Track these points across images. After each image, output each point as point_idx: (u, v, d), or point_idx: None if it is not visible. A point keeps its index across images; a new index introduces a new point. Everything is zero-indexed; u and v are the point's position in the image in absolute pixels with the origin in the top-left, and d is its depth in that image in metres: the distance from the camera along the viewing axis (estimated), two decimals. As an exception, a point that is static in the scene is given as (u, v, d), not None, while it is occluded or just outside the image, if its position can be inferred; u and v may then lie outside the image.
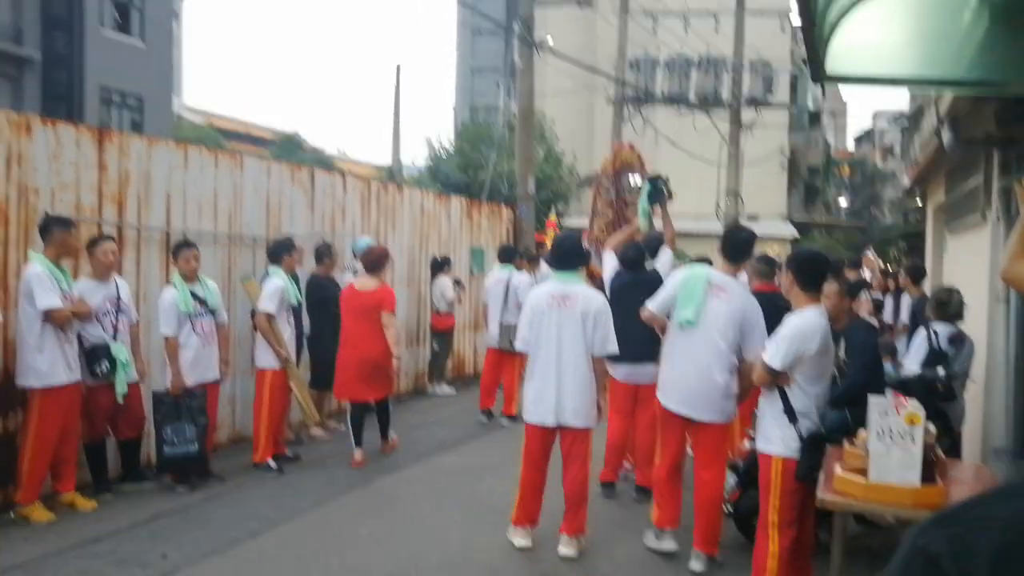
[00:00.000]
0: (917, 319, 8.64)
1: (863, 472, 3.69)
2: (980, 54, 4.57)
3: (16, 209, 6.43)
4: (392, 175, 31.35)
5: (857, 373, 5.58)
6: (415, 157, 41.15)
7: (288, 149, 53.11)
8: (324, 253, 9.16)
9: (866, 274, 16.43)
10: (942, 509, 1.09)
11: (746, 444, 5.99)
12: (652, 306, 5.74)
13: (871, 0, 4.65)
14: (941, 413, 6.13)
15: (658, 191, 7.51)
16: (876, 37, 4.72)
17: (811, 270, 4.86)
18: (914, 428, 3.48)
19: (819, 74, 4.61)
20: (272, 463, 7.72)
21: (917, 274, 9.54)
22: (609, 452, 7.26)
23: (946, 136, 7.15)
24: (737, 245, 5.72)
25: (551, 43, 16.42)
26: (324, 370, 9.12)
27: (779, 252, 21.25)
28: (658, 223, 7.82)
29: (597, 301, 5.76)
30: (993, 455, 6.84)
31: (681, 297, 5.52)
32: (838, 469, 3.80)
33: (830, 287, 5.41)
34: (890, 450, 3.49)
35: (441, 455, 8.52)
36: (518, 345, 5.96)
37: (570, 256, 5.92)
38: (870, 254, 22.12)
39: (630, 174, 8.96)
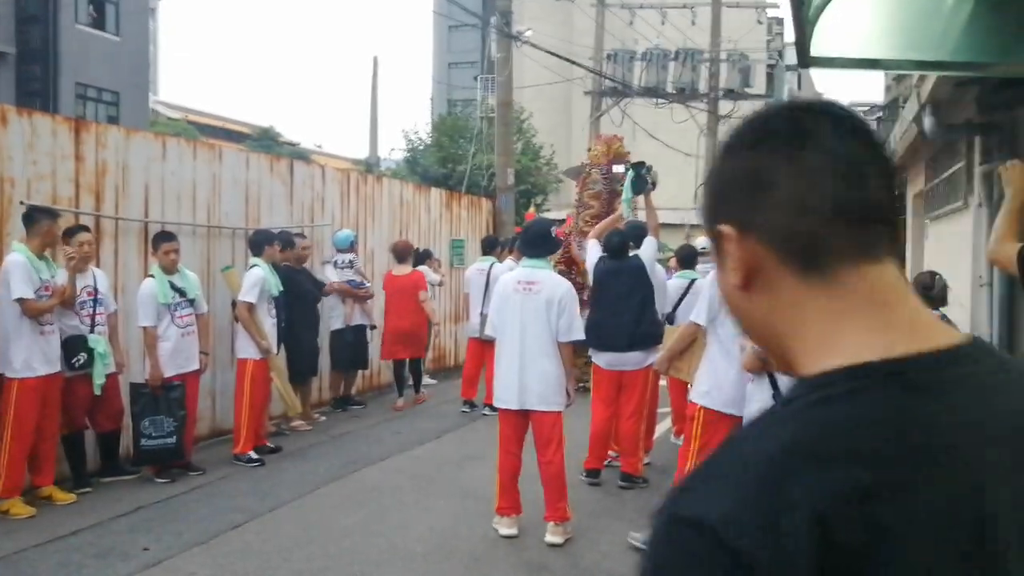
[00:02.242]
0: None
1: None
2: (964, 36, 4.57)
3: (-9, 199, 6.35)
4: (369, 168, 31.25)
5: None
6: (393, 151, 41.05)
7: (265, 144, 52.89)
8: (291, 243, 9.01)
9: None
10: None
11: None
12: (699, 319, 5.37)
13: (854, -15, 4.66)
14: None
15: (641, 180, 7.49)
16: (860, 20, 4.72)
17: None
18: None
19: (805, 59, 4.60)
20: (253, 454, 7.66)
21: None
22: (593, 440, 7.25)
23: (927, 122, 7.18)
24: None
25: (530, 35, 16.37)
26: (300, 361, 9.07)
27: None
28: (642, 214, 7.81)
29: (563, 287, 5.74)
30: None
31: None
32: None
33: None
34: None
35: (424, 445, 8.49)
36: (487, 331, 5.96)
37: (538, 242, 5.91)
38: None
39: (613, 164, 8.94)
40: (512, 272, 6.04)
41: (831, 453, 0.82)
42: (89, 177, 7.18)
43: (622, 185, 8.01)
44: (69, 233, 6.54)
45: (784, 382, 4.73)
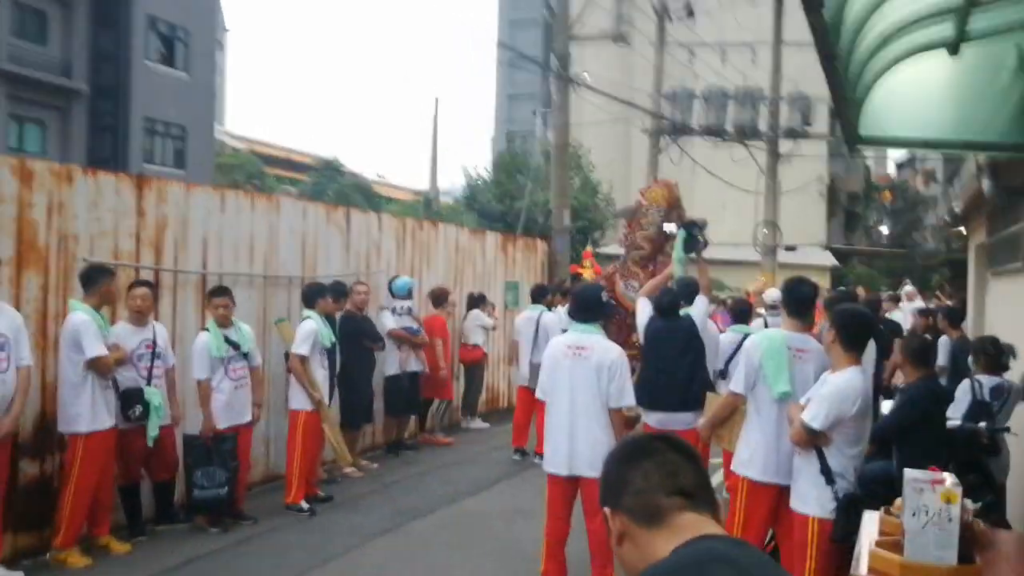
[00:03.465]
0: (957, 362, 8.50)
1: (899, 543, 3.62)
2: (1017, 116, 4.52)
3: (56, 256, 6.55)
4: (429, 204, 31.59)
5: (900, 411, 5.54)
6: (453, 183, 41.38)
7: (328, 175, 53.68)
8: (352, 290, 9.29)
9: (905, 309, 16.21)
10: None
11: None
12: (738, 388, 5.27)
13: (905, 62, 4.64)
14: (983, 467, 6.02)
15: (693, 239, 7.48)
16: (910, 99, 4.70)
17: (856, 330, 4.75)
18: (950, 506, 3.42)
19: (853, 138, 4.58)
20: (304, 504, 7.75)
21: (955, 316, 9.41)
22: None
23: (985, 184, 7.08)
24: (801, 301, 5.30)
25: (587, 79, 16.46)
26: (355, 409, 9.22)
27: (764, 281, 21.08)
28: (693, 271, 7.77)
29: (613, 352, 5.70)
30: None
31: (769, 369, 5.06)
32: (872, 544, 3.73)
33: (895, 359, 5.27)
34: (926, 528, 3.43)
35: (474, 497, 8.52)
36: (538, 394, 5.95)
37: (589, 308, 5.88)
38: (909, 287, 21.85)
39: (664, 223, 8.91)
40: (562, 336, 6.03)
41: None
42: (150, 231, 7.39)
43: (673, 244, 7.98)
44: (129, 288, 6.74)
45: (833, 456, 4.68)
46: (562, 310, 10.41)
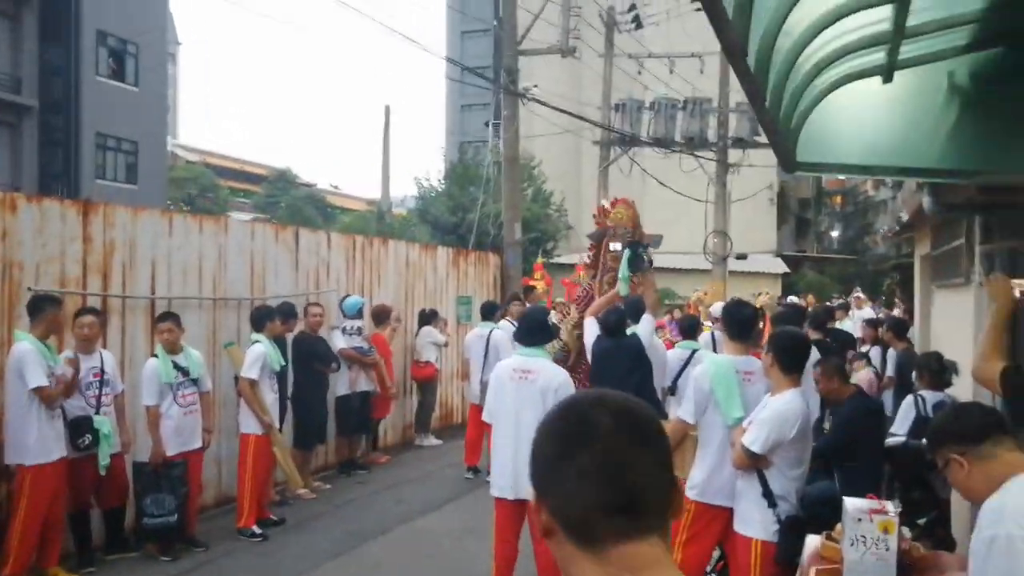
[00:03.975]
0: (904, 374, 8.65)
1: (839, 571, 3.69)
2: (949, 144, 4.64)
3: (1, 285, 6.47)
4: (382, 215, 31.49)
5: (837, 433, 5.64)
6: (407, 192, 41.34)
7: (281, 186, 53.38)
8: (305, 311, 9.34)
9: (855, 317, 16.43)
10: None
11: None
12: (687, 416, 5.27)
13: (841, 89, 4.74)
14: (928, 483, 6.14)
15: (639, 258, 7.57)
16: (847, 125, 4.80)
17: (793, 353, 4.85)
18: (888, 536, 3.50)
19: (791, 165, 4.68)
20: (256, 528, 7.71)
21: (900, 328, 9.57)
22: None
23: (926, 201, 7.20)
24: (742, 323, 5.41)
25: (537, 92, 16.55)
26: (307, 431, 9.20)
27: (769, 296, 21.33)
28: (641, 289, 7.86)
29: (560, 376, 5.75)
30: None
31: (721, 395, 5.11)
32: (813, 574, 3.80)
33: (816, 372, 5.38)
34: (864, 558, 3.51)
35: (426, 516, 8.53)
36: (484, 416, 5.98)
37: (535, 332, 5.93)
38: (860, 294, 22.20)
39: (611, 243, 8.97)
40: (508, 360, 6.07)
41: None
42: (97, 257, 7.32)
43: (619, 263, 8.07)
44: (76, 316, 6.67)
45: (774, 478, 4.76)
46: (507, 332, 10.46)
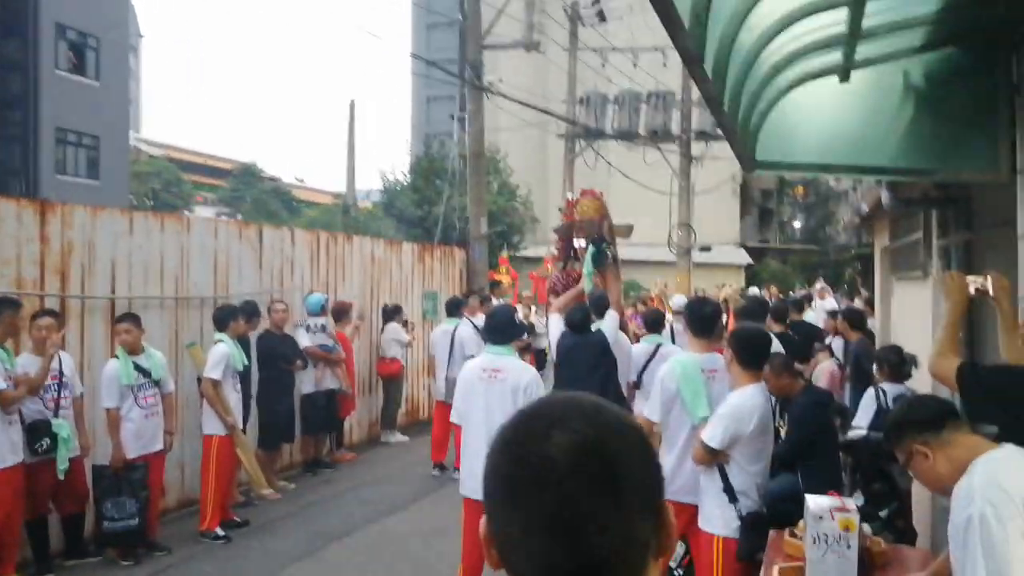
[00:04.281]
0: (860, 364, 8.75)
1: (802, 568, 3.73)
2: (904, 143, 4.69)
3: (-46, 289, 6.37)
4: (347, 209, 31.33)
5: (795, 433, 5.67)
6: (372, 185, 41.16)
7: (246, 180, 52.98)
8: (270, 309, 9.25)
9: (818, 308, 16.57)
10: None
11: None
12: (652, 415, 5.33)
13: (799, 88, 4.78)
14: (889, 475, 6.22)
15: (602, 254, 7.59)
16: (805, 124, 4.84)
17: (752, 348, 4.89)
18: (849, 534, 3.53)
19: (750, 164, 4.71)
20: (219, 531, 7.65)
21: (854, 318, 9.65)
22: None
23: (884, 196, 7.28)
24: (704, 320, 5.48)
25: (501, 86, 16.52)
26: (273, 430, 9.15)
27: (732, 288, 21.45)
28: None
29: (528, 374, 5.76)
30: (941, 515, 6.93)
31: (687, 395, 5.18)
32: (775, 572, 3.83)
33: (767, 372, 5.39)
34: (826, 556, 3.55)
35: (392, 516, 8.49)
36: (453, 418, 5.96)
37: (502, 329, 5.92)
38: (820, 285, 22.40)
39: (574, 239, 8.94)
40: (477, 360, 6.05)
41: None
42: (55, 258, 7.22)
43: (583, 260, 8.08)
44: (32, 319, 6.57)
45: (735, 474, 4.79)
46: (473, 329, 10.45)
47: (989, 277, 3.65)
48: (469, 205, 16.23)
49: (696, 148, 23.55)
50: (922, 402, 3.04)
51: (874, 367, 7.21)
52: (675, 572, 5.92)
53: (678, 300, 12.46)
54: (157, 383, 7.26)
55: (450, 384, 9.97)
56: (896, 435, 2.91)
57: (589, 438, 1.08)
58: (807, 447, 5.41)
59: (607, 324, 7.44)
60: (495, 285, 15.32)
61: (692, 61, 2.98)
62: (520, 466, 1.10)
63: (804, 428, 5.57)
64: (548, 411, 1.15)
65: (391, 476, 10.10)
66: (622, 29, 22.52)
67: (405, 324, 12.07)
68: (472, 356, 9.87)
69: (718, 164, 25.32)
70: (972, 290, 3.70)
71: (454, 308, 10.95)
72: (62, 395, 6.69)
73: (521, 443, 1.13)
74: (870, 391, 7.07)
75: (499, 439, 1.17)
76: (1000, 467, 2.57)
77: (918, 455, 2.78)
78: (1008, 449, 2.64)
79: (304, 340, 9.97)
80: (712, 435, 4.68)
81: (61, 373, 6.71)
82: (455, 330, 10.44)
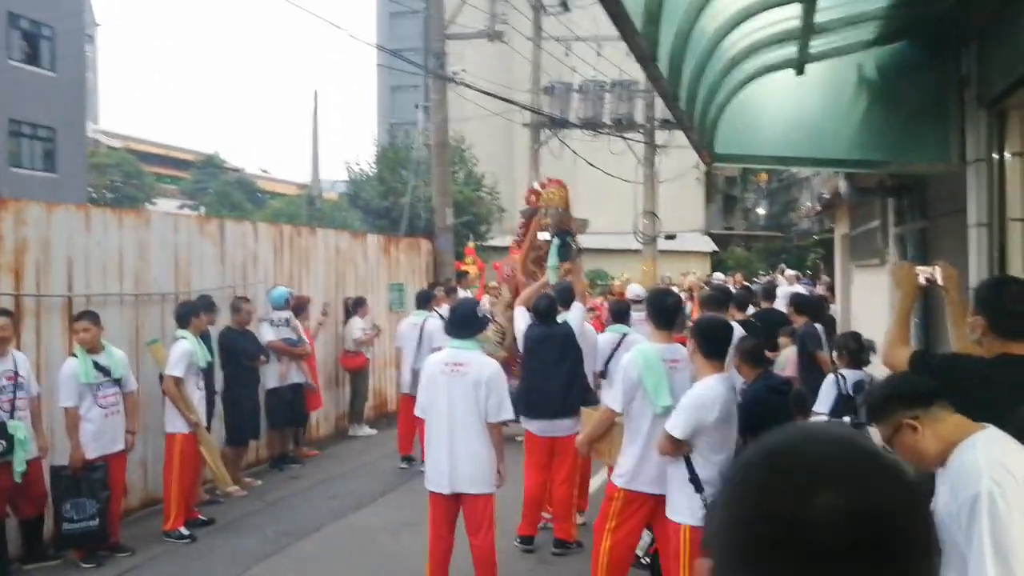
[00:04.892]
0: (804, 349, 8.85)
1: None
2: (861, 133, 4.74)
3: (-95, 290, 6.25)
4: (312, 201, 31.14)
5: (743, 418, 5.72)
6: (337, 177, 40.93)
7: (209, 171, 52.51)
8: (237, 307, 9.14)
9: (782, 295, 16.69)
10: None
11: None
12: (616, 405, 5.37)
13: (757, 81, 4.81)
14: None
15: (566, 246, 7.60)
16: (763, 117, 4.87)
17: (715, 338, 4.93)
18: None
19: (709, 157, 4.74)
20: (184, 531, 7.58)
21: (800, 303, 9.75)
22: (527, 506, 7.30)
23: (842, 185, 7.38)
24: (666, 311, 5.50)
25: (465, 76, 16.47)
26: (239, 427, 9.08)
27: (697, 276, 21.57)
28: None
29: (490, 367, 5.76)
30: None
31: (649, 384, 5.18)
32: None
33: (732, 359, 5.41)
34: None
35: (359, 511, 8.46)
36: (416, 411, 5.94)
37: (465, 324, 5.92)
38: (790, 271, 22.57)
39: (539, 232, 8.92)
40: (439, 354, 6.04)
41: None
42: (8, 256, 7.10)
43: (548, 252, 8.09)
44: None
45: (700, 464, 4.82)
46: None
47: (937, 267, 3.70)
48: (434, 196, 16.19)
49: (660, 136, 23.64)
50: (911, 378, 3.03)
51: (833, 353, 7.29)
52: (642, 560, 5.96)
53: (633, 289, 12.51)
54: (118, 381, 7.16)
55: (416, 377, 9.96)
56: (884, 409, 2.87)
57: (868, 507, 0.86)
58: (758, 430, 5.40)
59: (574, 315, 7.47)
60: (462, 276, 15.29)
61: (645, 60, 2.98)
62: (774, 529, 0.87)
63: (749, 411, 5.55)
64: (810, 460, 0.91)
65: (359, 470, 10.06)
66: (586, 18, 22.51)
67: (374, 330, 11.99)
68: (440, 348, 9.96)
69: (682, 152, 25.34)
70: (922, 280, 3.75)
71: (424, 300, 10.88)
72: (17, 396, 6.57)
73: (776, 499, 0.89)
74: (830, 377, 7.15)
75: (744, 483, 0.94)
76: (999, 446, 2.60)
77: (906, 429, 2.76)
78: (995, 430, 2.67)
79: (268, 334, 9.90)
80: (675, 425, 4.71)
81: (16, 373, 6.60)
82: (424, 322, 10.40)
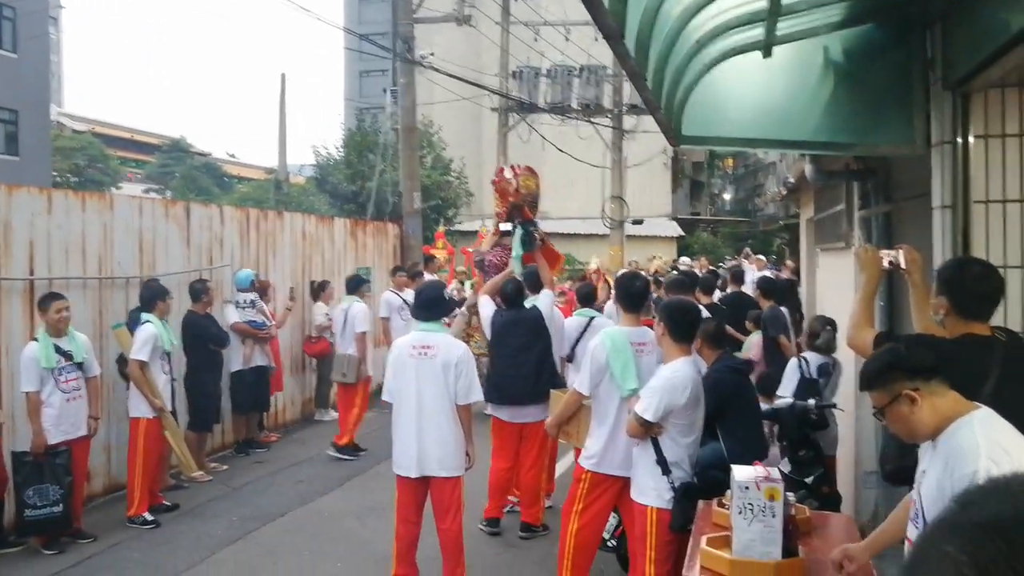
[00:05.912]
0: (767, 331, 8.97)
1: (730, 538, 3.76)
2: (827, 115, 4.76)
3: None
4: (279, 185, 30.88)
5: (708, 400, 5.76)
6: (305, 161, 40.59)
7: (175, 155, 51.91)
8: (200, 291, 9.01)
9: (749, 281, 16.81)
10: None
11: None
12: (583, 388, 5.35)
13: (724, 64, 4.81)
14: (814, 441, 6.36)
15: (530, 237, 7.61)
16: (730, 99, 4.87)
17: (683, 322, 4.94)
18: (774, 503, 3.58)
19: (676, 138, 4.73)
20: (148, 516, 7.51)
21: (766, 287, 9.87)
22: (492, 490, 7.31)
23: (808, 169, 7.40)
24: (634, 295, 5.52)
25: (433, 59, 16.36)
26: (203, 411, 8.99)
27: (663, 260, 21.64)
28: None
29: (459, 349, 5.74)
30: (864, 479, 7.12)
31: (617, 368, 5.18)
32: (703, 542, 3.87)
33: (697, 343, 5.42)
34: (752, 525, 3.59)
35: (324, 497, 8.41)
36: (384, 396, 5.90)
37: (431, 306, 5.89)
38: (750, 252, 22.71)
39: (501, 223, 8.85)
40: (407, 337, 5.98)
41: None
42: (-33, 239, 6.98)
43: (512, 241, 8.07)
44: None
45: (668, 446, 4.84)
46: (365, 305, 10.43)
47: (901, 251, 3.73)
48: (402, 180, 16.09)
49: (628, 122, 23.65)
50: (920, 347, 3.00)
51: (802, 337, 7.37)
52: (608, 543, 5.98)
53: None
54: (80, 366, 7.07)
55: (340, 361, 9.97)
56: (884, 376, 2.83)
57: None
58: (725, 411, 5.44)
59: (543, 301, 7.46)
60: (430, 260, 15.23)
61: (613, 37, 2.96)
62: None
63: (718, 392, 5.58)
64: None
65: (324, 455, 10.00)
66: (554, 3, 22.48)
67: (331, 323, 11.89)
68: (364, 333, 10.06)
69: (650, 137, 25.44)
70: (886, 263, 3.78)
71: (355, 286, 10.68)
72: (-22, 380, 6.49)
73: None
74: (793, 361, 7.24)
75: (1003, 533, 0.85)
76: (996, 427, 2.61)
77: (904, 399, 2.74)
78: (990, 411, 2.68)
79: (233, 317, 9.82)
80: (646, 407, 4.71)
81: (-23, 358, 6.51)
82: (349, 308, 10.29)
